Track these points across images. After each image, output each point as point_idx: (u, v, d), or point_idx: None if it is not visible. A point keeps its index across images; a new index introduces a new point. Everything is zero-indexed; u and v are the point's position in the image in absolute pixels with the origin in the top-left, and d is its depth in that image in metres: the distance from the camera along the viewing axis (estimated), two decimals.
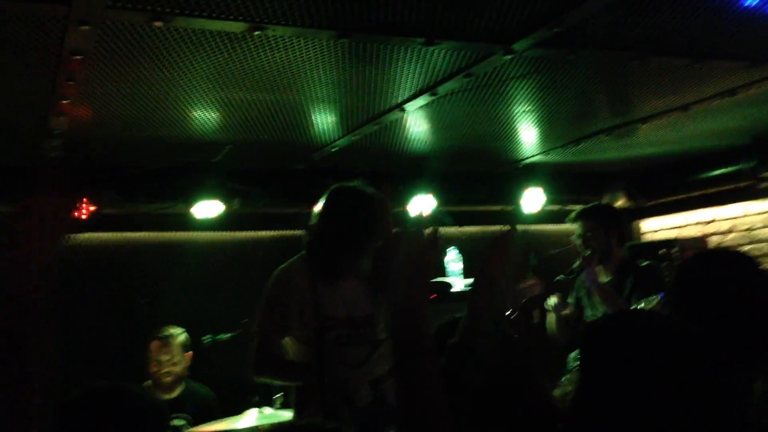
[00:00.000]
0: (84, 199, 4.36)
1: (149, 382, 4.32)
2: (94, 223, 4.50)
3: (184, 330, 4.43)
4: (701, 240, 5.82)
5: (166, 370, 4.27)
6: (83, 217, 4.38)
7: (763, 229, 5.48)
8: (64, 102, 3.23)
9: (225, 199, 4.66)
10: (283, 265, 3.14)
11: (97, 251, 4.96)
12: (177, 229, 5.13)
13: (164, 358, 4.27)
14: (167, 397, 4.30)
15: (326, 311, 2.88)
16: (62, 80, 2.96)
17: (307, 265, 2.90)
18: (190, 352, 4.41)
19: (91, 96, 3.23)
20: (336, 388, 2.82)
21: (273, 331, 3.04)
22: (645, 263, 4.22)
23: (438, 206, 5.22)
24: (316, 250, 2.88)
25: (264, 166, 4.96)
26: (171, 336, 4.34)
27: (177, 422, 4.21)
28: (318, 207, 3.14)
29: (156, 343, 4.32)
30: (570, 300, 4.44)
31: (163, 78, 3.06)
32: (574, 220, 4.35)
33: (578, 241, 4.33)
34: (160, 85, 3.14)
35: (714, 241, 5.82)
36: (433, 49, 2.81)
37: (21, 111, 3.48)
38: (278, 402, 3.91)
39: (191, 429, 4.07)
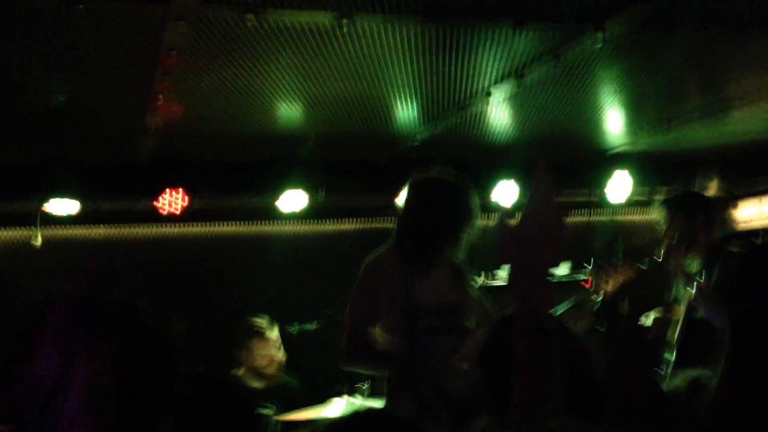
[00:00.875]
0: (180, 194, 4.53)
1: (242, 369, 4.41)
2: (186, 216, 4.66)
3: (275, 323, 4.52)
4: None
5: (267, 363, 4.36)
6: (177, 211, 4.54)
7: None
8: (160, 99, 3.35)
9: (310, 190, 4.74)
10: (372, 255, 3.15)
11: (189, 244, 5.14)
12: (265, 221, 5.25)
13: (269, 351, 4.36)
14: (257, 386, 4.39)
15: (417, 300, 2.89)
16: (158, 77, 3.07)
17: (396, 254, 2.92)
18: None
19: (184, 92, 3.34)
20: (428, 378, 2.82)
21: (363, 320, 3.06)
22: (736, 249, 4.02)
23: (522, 194, 5.16)
24: (405, 240, 2.90)
25: (348, 158, 5.01)
26: (270, 331, 4.42)
27: (264, 411, 4.30)
28: (402, 198, 3.14)
29: (256, 341, 4.39)
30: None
31: (253, 72, 3.13)
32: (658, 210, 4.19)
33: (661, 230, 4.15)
34: (251, 79, 3.22)
35: None
36: (521, 32, 2.77)
37: (119, 109, 3.63)
38: (365, 391, 3.94)
39: (278, 416, 4.15)
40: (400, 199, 3.16)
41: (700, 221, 4.03)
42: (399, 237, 2.90)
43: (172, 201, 4.54)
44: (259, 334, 4.38)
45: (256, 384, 4.39)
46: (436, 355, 2.89)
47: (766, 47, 3.22)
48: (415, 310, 2.82)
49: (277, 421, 4.23)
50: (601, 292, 3.26)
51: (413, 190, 3.12)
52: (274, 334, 4.41)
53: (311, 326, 4.41)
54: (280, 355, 4.40)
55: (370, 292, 3.03)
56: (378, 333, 3.13)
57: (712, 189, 5.81)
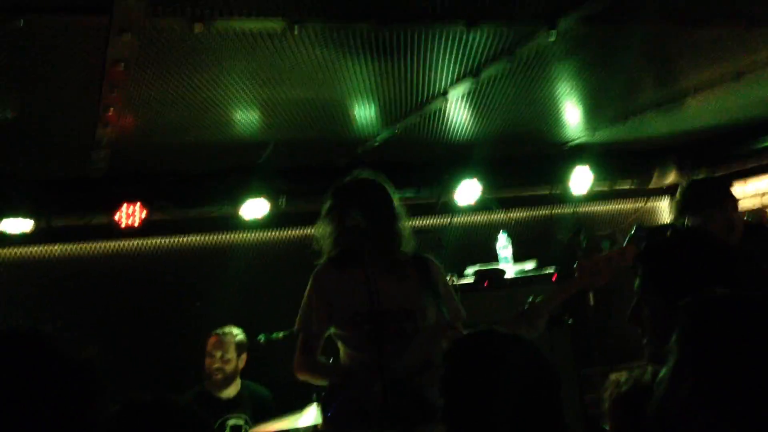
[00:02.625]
0: (137, 207, 4.43)
1: (208, 380, 4.36)
2: (145, 229, 4.57)
3: (242, 331, 4.46)
4: (760, 211, 5.64)
5: (218, 366, 4.31)
6: (136, 225, 4.44)
7: None
8: (110, 111, 3.27)
9: (271, 198, 4.68)
10: (318, 265, 3.11)
11: (148, 257, 5.03)
12: (226, 231, 5.17)
13: (217, 353, 4.32)
14: (224, 396, 4.34)
15: (349, 307, 2.86)
16: (107, 89, 2.99)
17: (332, 261, 2.90)
18: (245, 354, 4.43)
19: (135, 103, 3.27)
20: (358, 385, 2.79)
21: (308, 331, 3.03)
22: None
23: (485, 192, 5.16)
24: (332, 244, 2.89)
25: (308, 163, 4.96)
26: (228, 334, 4.39)
27: (234, 422, 4.25)
28: (325, 206, 3.09)
29: (213, 338, 4.38)
30: None
31: (205, 81, 3.07)
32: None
33: None
34: (203, 88, 3.16)
35: None
36: (475, 32, 2.75)
37: (68, 123, 3.53)
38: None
39: (253, 429, 4.10)
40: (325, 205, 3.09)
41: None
42: (335, 245, 2.88)
43: (129, 214, 4.44)
44: (216, 335, 4.36)
45: (224, 394, 4.34)
46: (382, 362, 2.84)
47: (715, 41, 3.26)
48: (360, 316, 2.79)
49: (248, 427, 4.20)
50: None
51: (336, 193, 3.07)
52: (233, 339, 4.37)
53: (279, 335, 4.36)
54: (235, 361, 4.35)
55: (311, 304, 3.00)
56: (339, 343, 3.10)
57: (671, 177, 5.90)
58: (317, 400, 3.78)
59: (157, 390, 1.71)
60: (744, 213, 4.80)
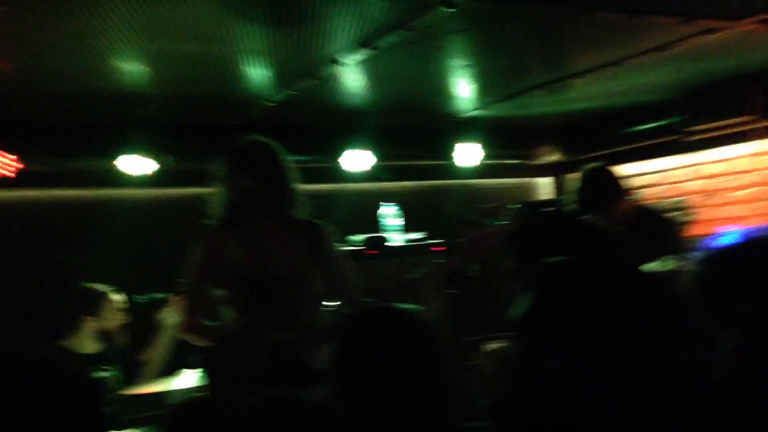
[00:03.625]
0: (12, 157, 4.17)
1: (71, 338, 4.24)
2: (21, 180, 4.32)
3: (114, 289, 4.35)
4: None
5: (115, 325, 4.21)
6: (10, 174, 4.19)
7: (690, 182, 5.66)
8: None
9: (156, 154, 4.53)
10: (202, 225, 3.08)
11: (27, 209, 4.77)
12: (110, 186, 4.97)
13: (112, 314, 4.21)
14: (93, 350, 4.23)
15: (235, 270, 2.85)
16: None
17: (221, 223, 2.87)
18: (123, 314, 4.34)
19: (12, 47, 3.06)
20: (239, 349, 2.81)
21: (193, 293, 3.00)
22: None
23: (377, 161, 5.21)
24: (228, 207, 2.86)
25: (200, 120, 4.82)
26: (112, 293, 4.28)
27: (101, 374, 4.17)
28: (219, 166, 3.06)
29: (108, 300, 4.24)
30: None
31: (88, 28, 2.92)
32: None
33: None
34: (86, 35, 3.00)
35: (644, 193, 5.99)
36: (371, 1, 2.75)
37: None
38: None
39: (128, 391, 4.01)
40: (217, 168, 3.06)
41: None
42: (226, 207, 2.84)
43: (5, 164, 4.18)
44: (106, 298, 4.21)
45: (90, 348, 4.24)
46: (258, 326, 2.85)
47: (601, 26, 3.40)
48: (243, 279, 2.78)
49: (117, 382, 4.13)
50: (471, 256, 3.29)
51: (228, 156, 3.04)
52: (117, 296, 4.27)
53: (161, 296, 4.27)
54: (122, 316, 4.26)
55: (197, 265, 2.97)
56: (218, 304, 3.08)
57: (553, 155, 6.16)
58: (192, 364, 3.74)
59: (24, 343, 1.66)
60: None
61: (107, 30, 2.95)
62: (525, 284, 1.36)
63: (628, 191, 3.77)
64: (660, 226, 3.97)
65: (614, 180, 3.75)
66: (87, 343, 4.21)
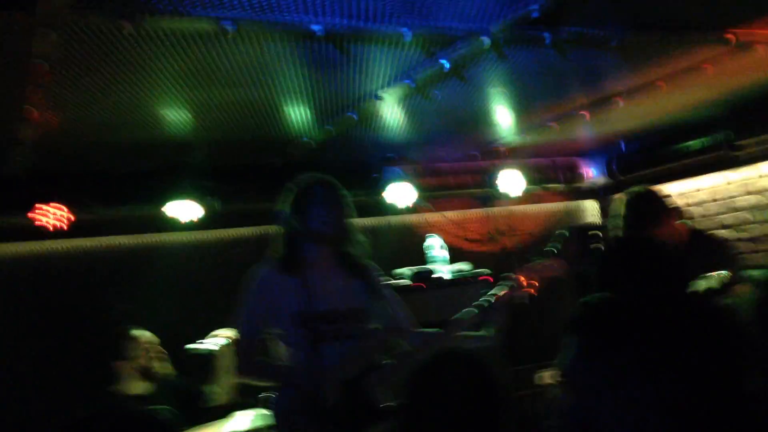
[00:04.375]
0: (63, 208, 4.28)
1: (119, 382, 4.29)
2: (72, 230, 4.42)
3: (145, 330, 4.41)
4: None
5: (145, 362, 4.27)
6: (63, 226, 4.29)
7: (742, 197, 5.52)
8: (32, 109, 3.15)
9: (202, 198, 4.59)
10: (254, 266, 3.09)
11: (76, 258, 4.87)
12: (159, 231, 5.04)
13: (139, 351, 4.29)
14: (139, 391, 4.27)
15: (303, 308, 2.85)
16: (30, 88, 2.88)
17: (277, 263, 2.87)
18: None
19: (59, 102, 3.15)
20: (306, 387, 2.79)
21: (251, 331, 3.00)
22: None
23: (419, 195, 5.20)
24: (281, 245, 2.86)
25: (243, 162, 4.89)
26: (134, 330, 4.36)
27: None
28: (280, 203, 3.09)
29: (135, 340, 4.32)
30: None
31: (133, 81, 2.99)
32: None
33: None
34: (131, 88, 3.07)
35: (696, 212, 5.85)
36: (412, 40, 2.77)
37: None
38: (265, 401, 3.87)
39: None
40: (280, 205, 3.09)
41: None
42: (275, 244, 2.84)
43: (54, 215, 4.28)
44: (128, 335, 4.31)
45: (140, 389, 4.27)
46: (324, 363, 2.85)
47: (639, 46, 3.36)
48: (302, 317, 2.77)
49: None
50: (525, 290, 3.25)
51: (290, 195, 3.08)
52: (141, 333, 4.32)
53: (215, 350, 4.28)
54: (154, 354, 4.31)
55: (250, 305, 2.97)
56: (275, 344, 3.08)
57: (599, 178, 6.07)
58: (256, 404, 3.74)
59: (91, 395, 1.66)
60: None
61: (152, 81, 3.01)
62: (568, 326, 1.32)
63: (674, 212, 3.68)
64: (711, 245, 3.87)
65: (658, 200, 3.66)
66: (132, 385, 4.27)
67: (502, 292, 3.21)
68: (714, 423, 1.19)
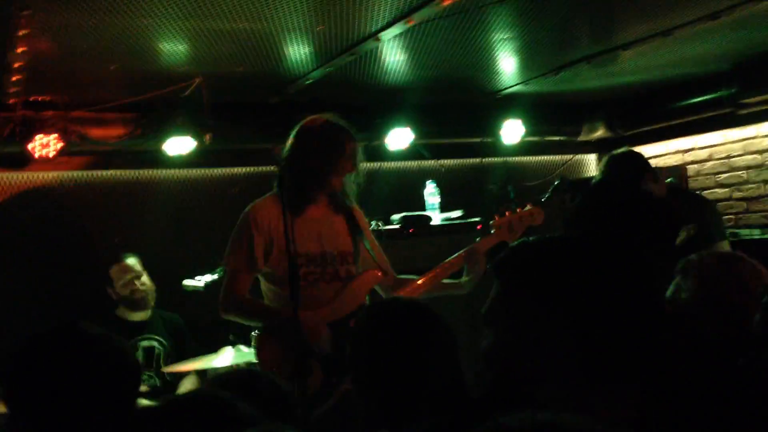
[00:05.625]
0: (53, 137, 4.22)
1: (119, 306, 4.32)
2: (61, 161, 4.38)
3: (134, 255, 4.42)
4: (680, 168, 5.82)
5: (139, 287, 4.29)
6: (51, 155, 4.24)
7: (742, 157, 5.47)
8: (22, 33, 3.07)
9: (197, 134, 4.53)
10: (252, 203, 3.08)
11: (66, 189, 4.83)
12: (149, 167, 5.00)
13: (135, 278, 4.30)
14: (134, 319, 4.31)
15: (295, 248, 2.83)
16: (17, 10, 2.80)
17: (278, 201, 2.84)
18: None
19: (50, 27, 3.08)
20: (302, 329, 2.79)
21: (240, 270, 3.00)
22: None
23: (416, 138, 5.14)
24: (285, 182, 2.81)
25: (237, 100, 4.81)
26: (132, 257, 4.38)
27: (147, 343, 4.25)
28: (288, 141, 3.08)
29: (119, 266, 4.33)
30: None
31: (126, 6, 2.91)
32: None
33: None
34: (124, 14, 2.99)
35: (693, 169, 5.82)
36: None
37: None
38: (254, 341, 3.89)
39: (169, 368, 4.07)
40: (288, 142, 3.08)
41: None
42: (280, 180, 2.80)
43: (44, 144, 4.23)
44: (117, 262, 4.32)
45: (136, 317, 4.30)
46: (312, 304, 2.85)
47: None
48: (294, 257, 2.76)
49: (164, 352, 4.20)
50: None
51: (297, 130, 3.07)
52: (131, 260, 4.33)
53: (210, 281, 4.28)
54: (144, 280, 4.32)
55: (245, 242, 2.97)
56: (262, 281, 3.09)
57: (599, 132, 6.01)
58: (234, 342, 3.76)
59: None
60: (664, 173, 4.94)
61: (147, 8, 2.93)
62: (492, 268, 1.32)
63: (654, 172, 3.72)
64: (690, 202, 3.94)
65: (639, 162, 3.69)
66: (129, 312, 4.31)
67: (481, 240, 3.26)
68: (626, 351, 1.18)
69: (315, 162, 2.96)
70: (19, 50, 3.27)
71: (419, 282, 3.16)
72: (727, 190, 5.58)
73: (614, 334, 1.17)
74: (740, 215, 5.48)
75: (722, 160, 5.61)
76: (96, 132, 4.45)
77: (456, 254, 3.23)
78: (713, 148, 5.68)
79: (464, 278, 3.21)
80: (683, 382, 1.35)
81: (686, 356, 1.46)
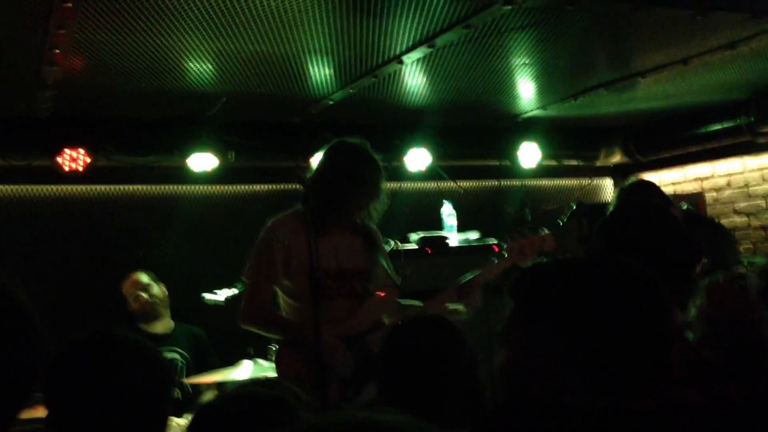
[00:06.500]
0: (81, 151, 4.33)
1: (139, 321, 4.40)
2: (89, 175, 4.48)
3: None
4: (697, 196, 5.82)
5: (146, 299, 4.37)
6: (80, 169, 4.35)
7: (760, 185, 5.48)
8: (57, 51, 3.18)
9: (220, 152, 4.63)
10: (274, 217, 3.15)
11: (93, 204, 4.93)
12: (173, 182, 5.10)
13: (138, 290, 4.38)
14: (155, 332, 4.38)
15: (316, 263, 2.89)
16: (54, 28, 2.91)
17: (301, 218, 2.90)
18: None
19: (84, 45, 3.18)
20: (310, 341, 2.84)
21: (260, 282, 3.06)
22: None
23: (434, 160, 5.20)
24: (311, 202, 2.88)
25: (260, 118, 4.91)
26: (142, 273, 4.46)
27: (169, 355, 4.31)
28: (316, 160, 3.16)
29: (131, 279, 4.42)
30: None
31: (156, 27, 3.01)
32: None
33: None
34: (154, 34, 3.09)
35: (710, 197, 5.82)
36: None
37: (12, 61, 3.43)
38: (273, 353, 3.94)
39: (189, 380, 4.13)
40: (314, 161, 3.17)
41: None
42: (305, 199, 2.87)
43: (74, 158, 4.34)
44: (132, 277, 4.42)
45: (156, 329, 4.39)
46: (330, 319, 2.90)
47: (667, 23, 3.33)
48: (314, 272, 2.82)
49: (185, 365, 4.27)
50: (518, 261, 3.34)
51: (326, 153, 3.14)
52: (138, 274, 4.43)
53: (230, 296, 4.35)
54: (153, 292, 4.40)
55: (267, 254, 3.03)
56: (279, 295, 3.14)
57: (616, 157, 6.04)
58: (253, 355, 3.81)
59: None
60: (682, 201, 4.96)
61: (177, 28, 3.03)
62: (507, 288, 1.36)
63: (669, 199, 3.78)
64: (707, 229, 3.95)
65: (654, 189, 3.75)
66: (147, 325, 4.38)
67: (488, 267, 3.29)
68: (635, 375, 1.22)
69: (339, 194, 3.04)
70: (53, 67, 3.38)
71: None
72: (744, 218, 5.58)
73: (624, 356, 1.21)
74: (758, 244, 5.47)
75: (740, 189, 5.62)
76: (123, 147, 4.55)
77: (453, 286, 3.28)
78: (731, 177, 5.68)
79: (461, 307, 3.26)
80: (686, 400, 1.38)
81: (690, 373, 1.50)
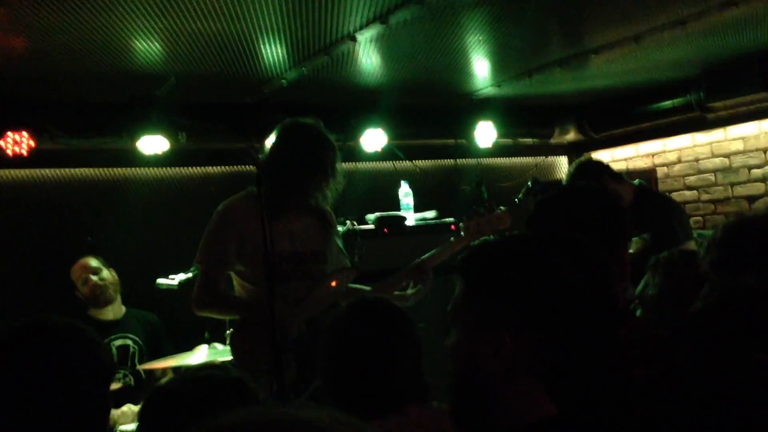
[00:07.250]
0: (25, 135, 4.19)
1: (90, 308, 4.30)
2: (34, 159, 4.34)
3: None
4: (650, 171, 5.92)
5: (97, 283, 4.27)
6: (24, 153, 4.21)
7: (709, 160, 5.59)
8: None
9: (170, 134, 4.52)
10: (225, 201, 3.10)
11: (39, 189, 4.79)
12: (123, 165, 4.97)
13: (89, 275, 4.28)
14: (106, 318, 4.29)
15: (263, 246, 2.85)
16: None
17: (254, 200, 2.86)
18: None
19: (25, 25, 3.06)
20: (267, 324, 2.81)
21: (212, 267, 3.01)
22: None
23: (390, 140, 5.18)
24: (265, 184, 2.82)
25: (212, 99, 4.81)
26: (90, 258, 4.36)
27: (121, 342, 4.24)
28: (269, 141, 3.10)
29: (79, 264, 4.31)
30: None
31: (100, 4, 2.90)
32: None
33: None
34: (98, 12, 2.98)
35: (661, 172, 5.93)
36: None
37: None
38: (229, 338, 3.90)
39: (143, 366, 4.06)
40: (268, 142, 3.10)
41: None
42: (259, 180, 2.81)
43: (17, 141, 4.19)
44: (77, 262, 4.32)
45: (106, 315, 4.30)
46: (285, 301, 2.88)
47: (619, 2, 3.34)
48: (269, 256, 2.78)
49: (138, 350, 4.19)
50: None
51: (279, 134, 3.09)
52: (87, 259, 4.33)
53: (184, 280, 4.28)
54: (103, 275, 4.31)
55: (219, 239, 2.99)
56: (235, 279, 3.11)
57: (570, 135, 6.10)
58: (209, 340, 3.77)
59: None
60: (634, 176, 5.04)
61: (122, 6, 2.93)
62: (455, 269, 1.36)
63: (618, 175, 3.96)
64: (656, 202, 4.08)
65: (603, 166, 3.87)
66: (97, 311, 4.29)
67: (445, 246, 3.30)
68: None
69: (294, 175, 2.99)
70: None
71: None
72: (695, 192, 5.69)
73: (570, 332, 1.21)
74: (708, 217, 5.60)
75: (690, 163, 5.73)
76: (69, 130, 4.41)
77: (406, 268, 3.28)
78: (682, 151, 5.79)
79: (410, 290, 3.26)
80: (642, 379, 1.39)
81: (644, 352, 1.51)
